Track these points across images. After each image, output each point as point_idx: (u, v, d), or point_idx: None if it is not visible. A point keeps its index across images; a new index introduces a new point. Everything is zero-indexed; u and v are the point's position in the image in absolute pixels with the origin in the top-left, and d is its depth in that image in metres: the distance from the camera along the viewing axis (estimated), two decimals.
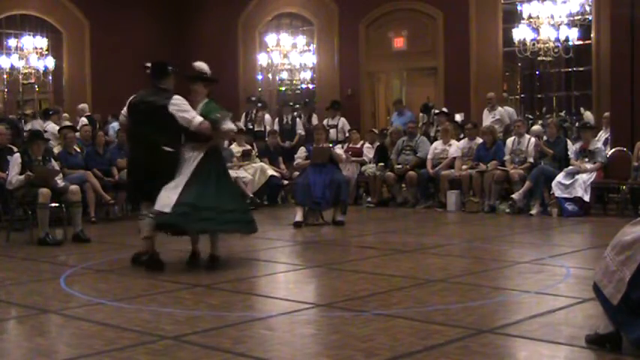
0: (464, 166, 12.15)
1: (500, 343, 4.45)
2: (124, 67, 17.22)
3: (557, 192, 10.97)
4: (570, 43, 13.44)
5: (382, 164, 12.97)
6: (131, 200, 8.08)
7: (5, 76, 16.57)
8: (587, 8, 13.64)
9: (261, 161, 13.44)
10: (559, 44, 13.36)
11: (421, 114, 14.77)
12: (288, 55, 17.08)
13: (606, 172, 11.24)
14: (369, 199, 13.02)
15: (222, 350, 4.31)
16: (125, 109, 7.24)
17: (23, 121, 15.18)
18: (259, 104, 16.40)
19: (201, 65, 7.21)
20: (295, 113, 15.89)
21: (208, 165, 6.92)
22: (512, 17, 14.35)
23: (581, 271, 6.66)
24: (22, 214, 9.65)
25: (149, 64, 7.27)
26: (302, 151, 11.07)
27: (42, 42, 16.69)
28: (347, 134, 14.86)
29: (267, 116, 15.80)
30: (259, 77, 18.00)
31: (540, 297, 5.61)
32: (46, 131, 13.10)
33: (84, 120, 14.04)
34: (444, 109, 14.30)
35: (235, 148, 13.47)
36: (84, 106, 15.71)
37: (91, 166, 11.28)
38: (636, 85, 11.43)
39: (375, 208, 12.65)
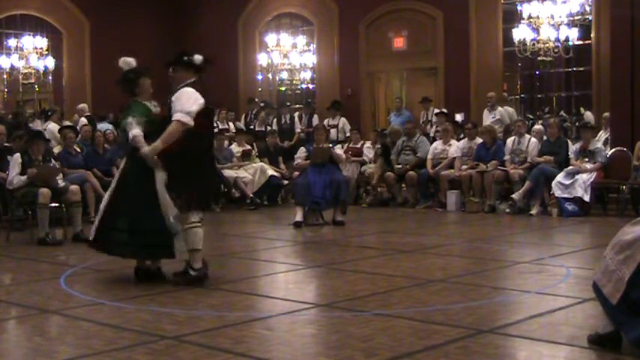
0: (464, 166, 12.15)
1: (500, 343, 4.45)
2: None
3: (557, 192, 10.97)
4: (570, 43, 13.45)
5: (381, 154, 12.99)
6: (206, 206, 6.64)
7: (5, 76, 16.58)
8: (587, 8, 13.65)
9: (261, 161, 13.45)
10: (559, 44, 13.37)
11: (422, 112, 14.80)
12: (288, 55, 17.09)
13: (606, 172, 11.23)
14: (368, 199, 13.01)
15: (222, 350, 4.31)
16: (197, 110, 6.21)
17: (29, 119, 15.19)
18: (262, 104, 16.43)
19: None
20: (297, 114, 15.92)
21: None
22: (512, 17, 14.35)
23: (581, 271, 6.66)
24: (22, 214, 9.65)
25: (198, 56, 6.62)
26: (302, 151, 11.06)
27: (42, 42, 16.70)
28: (347, 134, 14.89)
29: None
30: (259, 77, 18.01)
31: (540, 297, 5.62)
32: (44, 130, 13.12)
33: (83, 120, 14.04)
34: (444, 110, 14.30)
35: (235, 148, 13.48)
36: (83, 106, 15.71)
37: (91, 166, 11.28)
38: (636, 85, 11.43)
39: (370, 208, 12.62)
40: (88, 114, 15.12)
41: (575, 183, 10.91)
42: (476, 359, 4.11)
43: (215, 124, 6.51)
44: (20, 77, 16.61)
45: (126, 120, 6.27)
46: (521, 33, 13.54)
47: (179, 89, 6.25)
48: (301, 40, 17.17)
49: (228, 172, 12.69)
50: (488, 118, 13.66)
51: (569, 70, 14.50)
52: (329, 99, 16.08)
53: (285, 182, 13.32)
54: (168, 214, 6.21)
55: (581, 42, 13.69)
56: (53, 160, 9.69)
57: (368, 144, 13.88)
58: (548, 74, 14.68)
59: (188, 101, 6.13)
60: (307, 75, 17.40)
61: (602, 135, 12.20)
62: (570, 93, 14.68)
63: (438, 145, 12.65)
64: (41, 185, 8.93)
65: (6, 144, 10.66)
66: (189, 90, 6.21)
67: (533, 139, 11.86)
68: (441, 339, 4.44)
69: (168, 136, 6.10)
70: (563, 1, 13.50)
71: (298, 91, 17.77)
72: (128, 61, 6.76)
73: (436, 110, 14.47)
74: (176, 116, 6.07)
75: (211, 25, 18.11)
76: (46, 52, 16.71)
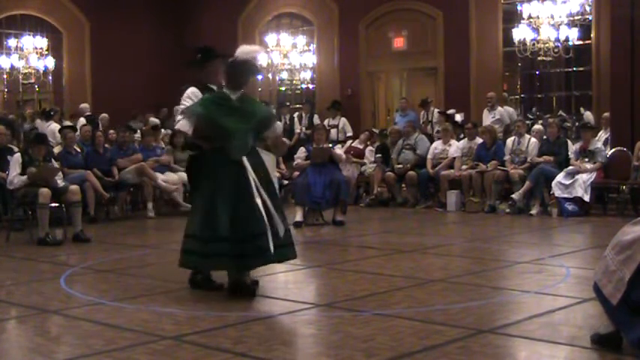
0: (463, 166, 12.15)
1: (500, 343, 4.45)
2: (124, 67, 17.25)
3: (557, 192, 10.97)
4: (570, 43, 13.46)
5: (380, 155, 12.98)
6: None
7: (5, 76, 16.57)
8: (587, 8, 13.66)
9: None
10: (559, 44, 13.37)
11: (422, 112, 14.80)
12: (288, 55, 17.10)
13: (606, 172, 11.23)
14: (367, 200, 13.00)
15: (222, 350, 4.31)
16: None
17: (20, 120, 15.21)
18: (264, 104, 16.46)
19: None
20: (297, 114, 15.92)
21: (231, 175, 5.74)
22: (512, 17, 14.36)
23: (581, 271, 6.65)
24: (22, 214, 9.65)
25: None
26: (302, 151, 11.07)
27: (42, 42, 16.69)
28: (347, 134, 14.91)
29: None
30: (259, 77, 18.00)
31: (540, 297, 5.62)
32: (46, 128, 13.17)
33: (82, 120, 14.05)
34: (449, 111, 14.24)
35: None
36: (85, 105, 15.73)
37: (91, 166, 11.29)
38: (636, 85, 11.43)
39: (370, 208, 12.61)
40: (89, 114, 15.13)
41: (575, 183, 10.91)
42: (476, 359, 4.11)
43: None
44: (20, 77, 16.60)
45: (273, 110, 5.89)
46: (521, 33, 13.54)
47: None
48: (301, 40, 17.17)
49: None
50: (488, 118, 13.66)
51: (569, 70, 14.49)
52: (329, 99, 16.08)
53: (285, 182, 13.31)
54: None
55: (581, 42, 13.69)
56: (53, 160, 9.70)
57: (370, 147, 13.85)
58: (548, 74, 14.68)
59: None
60: (307, 75, 17.40)
61: (602, 135, 12.20)
62: (570, 93, 14.68)
63: (438, 145, 12.65)
64: (41, 185, 8.94)
65: (10, 145, 10.66)
66: None
67: (533, 139, 11.86)
68: (441, 339, 4.44)
69: None
70: (563, 1, 13.50)
71: (298, 91, 17.77)
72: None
73: (436, 110, 14.47)
74: None
75: (211, 25, 18.08)
76: (46, 52, 16.70)
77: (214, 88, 6.07)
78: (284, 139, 6.26)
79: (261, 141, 6.09)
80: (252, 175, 5.61)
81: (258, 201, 5.56)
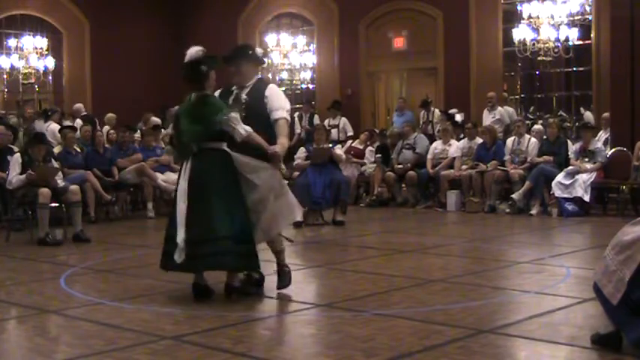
0: (463, 166, 12.15)
1: (500, 343, 4.45)
2: (124, 67, 17.25)
3: (557, 192, 10.97)
4: (570, 43, 13.45)
5: (380, 155, 12.98)
6: None
7: (5, 76, 16.57)
8: (587, 8, 13.66)
9: None
10: (559, 44, 13.37)
11: (422, 112, 14.81)
12: (288, 55, 17.10)
13: (606, 172, 11.23)
14: (367, 200, 12.99)
15: (222, 350, 4.31)
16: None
17: (21, 120, 15.19)
18: None
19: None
20: (297, 114, 15.91)
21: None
22: (512, 17, 14.37)
23: (581, 271, 6.66)
24: (22, 214, 9.65)
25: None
26: (302, 152, 11.07)
27: (42, 42, 16.68)
28: (348, 134, 14.90)
29: None
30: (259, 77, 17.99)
31: (540, 297, 5.62)
32: (46, 130, 13.14)
33: (79, 121, 14.02)
34: (450, 111, 14.23)
35: None
36: (79, 106, 15.66)
37: (91, 166, 11.28)
38: (636, 85, 11.43)
39: (370, 208, 12.61)
40: (84, 114, 15.09)
41: (575, 183, 10.91)
42: (476, 359, 4.11)
43: None
44: (20, 77, 16.59)
45: (227, 114, 5.58)
46: (521, 33, 13.54)
47: (257, 85, 5.99)
48: (301, 40, 17.17)
49: None
50: (488, 118, 13.67)
51: (569, 70, 14.50)
52: (329, 99, 16.08)
53: (285, 182, 13.27)
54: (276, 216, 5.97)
55: (581, 42, 13.69)
56: (53, 160, 9.70)
57: (370, 147, 13.85)
58: (548, 74, 14.68)
59: (284, 99, 6.02)
60: (307, 75, 17.40)
61: (602, 135, 12.20)
62: (570, 93, 14.69)
63: (438, 145, 12.65)
64: (41, 185, 8.94)
65: (10, 145, 10.66)
66: (276, 87, 6.13)
67: (533, 139, 11.86)
68: (441, 339, 4.44)
69: (288, 134, 6.02)
70: (563, 1, 13.50)
71: (298, 91, 17.77)
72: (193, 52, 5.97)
73: (438, 110, 14.47)
74: (283, 113, 5.93)
75: (211, 25, 18.09)
76: (46, 52, 16.68)
77: (233, 89, 6.00)
78: (271, 147, 5.70)
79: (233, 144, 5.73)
80: (184, 179, 5.57)
81: (183, 206, 5.49)
